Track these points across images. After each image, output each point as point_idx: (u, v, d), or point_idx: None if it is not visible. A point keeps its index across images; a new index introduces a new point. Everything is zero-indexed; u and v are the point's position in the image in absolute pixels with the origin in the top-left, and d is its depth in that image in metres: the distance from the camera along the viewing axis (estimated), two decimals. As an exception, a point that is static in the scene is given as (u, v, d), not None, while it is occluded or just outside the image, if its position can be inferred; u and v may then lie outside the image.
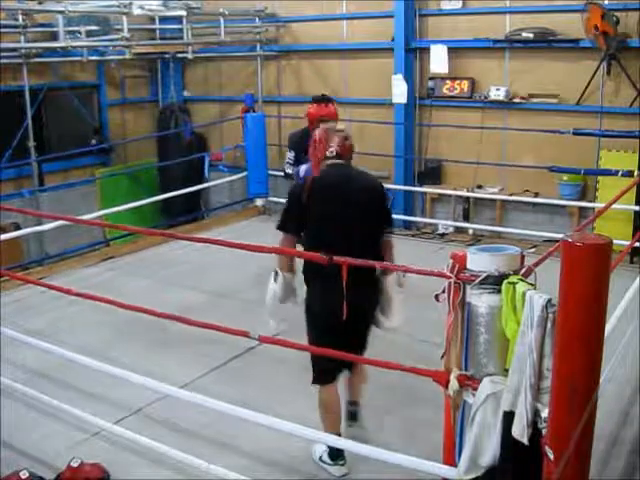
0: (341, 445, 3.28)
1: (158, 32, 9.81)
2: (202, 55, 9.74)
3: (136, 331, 5.16)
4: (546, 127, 7.48)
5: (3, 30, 7.66)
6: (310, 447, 3.64)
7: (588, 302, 2.08)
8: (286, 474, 3.59)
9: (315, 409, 3.64)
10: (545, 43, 7.55)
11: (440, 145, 8.50)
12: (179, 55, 9.55)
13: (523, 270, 2.44)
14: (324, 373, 3.57)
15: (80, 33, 8.40)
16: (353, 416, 3.81)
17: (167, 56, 9.79)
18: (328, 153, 3.69)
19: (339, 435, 3.45)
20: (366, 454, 2.99)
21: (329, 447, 3.53)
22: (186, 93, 10.61)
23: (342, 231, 3.52)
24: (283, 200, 8.34)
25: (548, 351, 2.20)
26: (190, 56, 9.10)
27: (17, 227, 7.69)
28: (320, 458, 3.59)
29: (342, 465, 3.54)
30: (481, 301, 2.43)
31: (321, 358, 3.43)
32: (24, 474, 3.22)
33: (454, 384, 2.51)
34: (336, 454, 3.53)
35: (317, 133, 3.75)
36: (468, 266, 2.47)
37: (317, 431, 3.12)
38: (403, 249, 7.35)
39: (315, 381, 3.60)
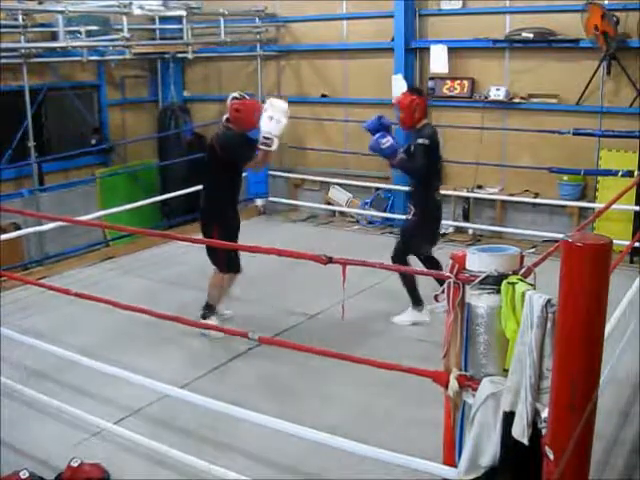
0: (322, 439, 3.25)
1: (158, 32, 9.81)
2: (202, 55, 9.74)
3: (136, 331, 5.16)
4: (546, 127, 7.49)
5: (3, 30, 7.65)
6: (309, 447, 3.64)
7: (588, 302, 2.07)
8: (286, 474, 3.59)
9: (314, 409, 3.63)
10: (545, 43, 7.55)
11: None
12: (179, 55, 9.54)
13: (522, 270, 2.44)
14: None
15: (80, 33, 8.40)
16: None
17: (167, 56, 9.78)
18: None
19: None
20: (366, 454, 2.99)
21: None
22: (186, 93, 10.60)
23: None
24: (283, 200, 8.58)
25: (548, 351, 2.20)
26: (190, 56, 9.10)
27: (17, 227, 7.69)
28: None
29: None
30: (480, 301, 2.43)
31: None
32: (24, 474, 3.22)
33: (454, 384, 2.51)
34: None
35: None
36: (468, 266, 2.47)
37: (317, 431, 3.12)
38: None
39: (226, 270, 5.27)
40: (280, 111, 5.10)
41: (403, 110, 5.23)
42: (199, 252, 6.73)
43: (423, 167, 5.19)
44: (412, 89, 5.59)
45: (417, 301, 5.32)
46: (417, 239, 5.30)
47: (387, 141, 5.08)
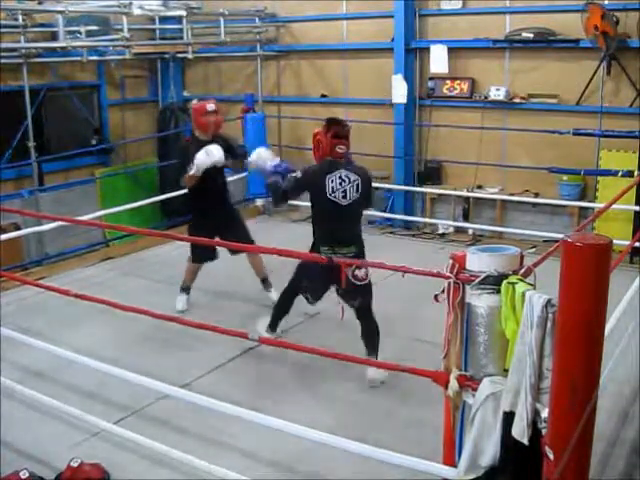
0: (322, 439, 3.26)
1: (158, 32, 9.82)
2: (202, 55, 9.74)
3: (136, 331, 5.16)
4: (546, 127, 7.48)
5: (3, 30, 7.65)
6: (309, 447, 3.64)
7: (588, 302, 2.07)
8: (286, 474, 3.59)
9: (314, 409, 3.62)
10: (545, 43, 7.56)
11: (440, 145, 8.50)
12: (179, 55, 9.55)
13: (522, 270, 2.44)
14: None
15: (80, 33, 8.40)
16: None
17: (167, 56, 9.78)
18: None
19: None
20: (366, 454, 2.99)
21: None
22: (186, 93, 10.60)
23: None
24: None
25: (548, 351, 2.20)
26: (190, 56, 9.10)
27: (17, 227, 7.69)
28: None
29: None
30: (480, 301, 2.43)
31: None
32: (24, 474, 3.22)
33: (454, 384, 2.51)
34: None
35: None
36: (467, 266, 2.47)
37: (317, 431, 3.12)
38: (403, 249, 7.40)
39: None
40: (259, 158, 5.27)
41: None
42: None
43: (281, 194, 4.65)
44: (328, 120, 4.62)
45: (273, 327, 4.93)
46: (301, 276, 4.72)
47: (272, 161, 4.82)
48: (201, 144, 5.37)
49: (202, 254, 5.73)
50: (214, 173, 5.45)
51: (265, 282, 5.95)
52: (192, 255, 5.79)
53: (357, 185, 4.47)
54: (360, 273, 4.36)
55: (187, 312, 5.68)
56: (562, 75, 7.57)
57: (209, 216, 5.58)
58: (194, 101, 5.73)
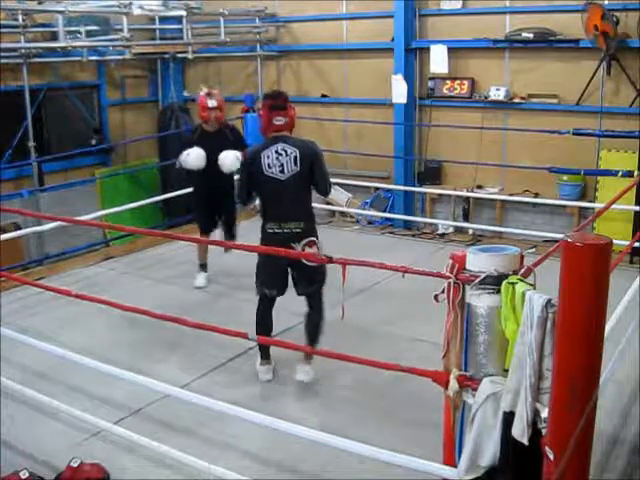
0: (322, 439, 3.26)
1: (158, 32, 9.82)
2: (202, 55, 9.75)
3: (136, 331, 5.16)
4: (546, 127, 7.48)
5: (3, 30, 7.65)
6: (309, 447, 3.64)
7: (588, 302, 2.07)
8: (286, 474, 3.59)
9: (314, 409, 3.62)
10: (545, 43, 7.56)
11: (440, 145, 8.50)
12: (179, 55, 9.56)
13: (522, 270, 2.44)
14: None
15: (80, 33, 8.41)
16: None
17: (167, 56, 9.79)
18: None
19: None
20: (366, 454, 2.99)
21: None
22: (186, 93, 10.60)
23: None
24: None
25: (548, 351, 2.20)
26: (190, 56, 9.11)
27: (17, 227, 7.69)
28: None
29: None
30: (480, 301, 2.43)
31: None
32: (24, 474, 3.22)
33: (454, 385, 2.51)
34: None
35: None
36: (467, 266, 2.47)
37: (316, 431, 3.12)
38: (403, 249, 7.41)
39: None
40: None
41: None
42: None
43: (237, 186, 4.66)
44: (265, 94, 4.75)
45: (265, 355, 4.64)
46: (260, 273, 4.54)
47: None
48: (204, 134, 6.08)
49: (205, 225, 6.34)
50: (215, 156, 5.89)
51: (203, 267, 6.48)
52: (199, 226, 6.41)
53: (295, 158, 4.34)
54: (311, 252, 4.24)
55: (186, 311, 5.66)
56: (562, 75, 7.57)
57: (207, 189, 6.13)
58: (202, 91, 6.17)
